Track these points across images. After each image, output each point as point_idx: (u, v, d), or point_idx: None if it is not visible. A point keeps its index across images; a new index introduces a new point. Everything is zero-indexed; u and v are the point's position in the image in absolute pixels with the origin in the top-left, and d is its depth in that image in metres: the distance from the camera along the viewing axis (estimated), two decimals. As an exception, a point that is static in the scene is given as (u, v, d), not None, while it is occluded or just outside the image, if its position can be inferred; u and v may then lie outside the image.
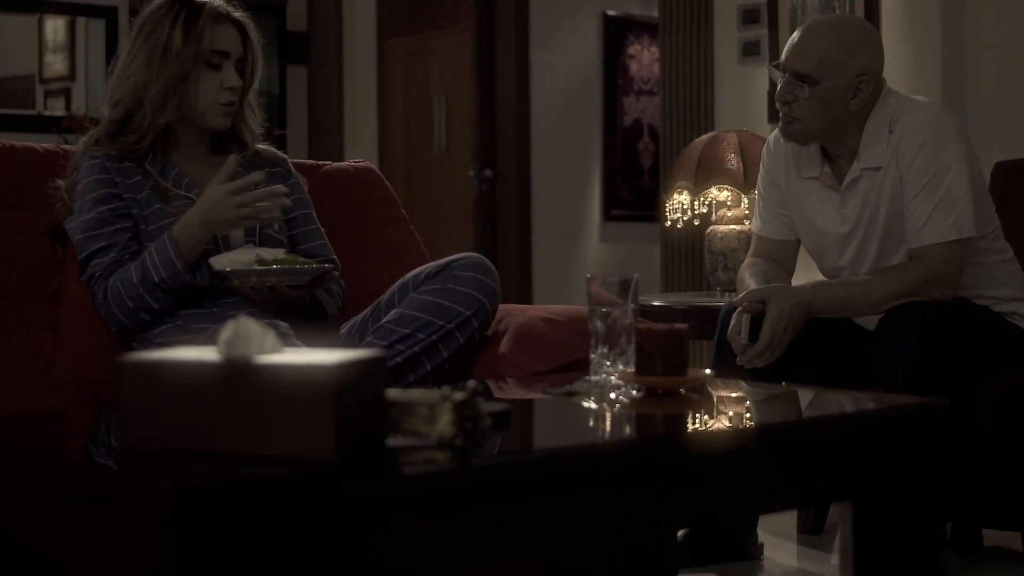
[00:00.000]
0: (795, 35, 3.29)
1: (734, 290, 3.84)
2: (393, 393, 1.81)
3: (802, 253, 3.51)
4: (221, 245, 2.97)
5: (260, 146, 3.20)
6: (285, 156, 3.27)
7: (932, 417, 2.30)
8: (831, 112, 3.23)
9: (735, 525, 3.46)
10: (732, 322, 3.18)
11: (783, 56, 3.29)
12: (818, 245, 3.41)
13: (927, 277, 3.13)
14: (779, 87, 3.28)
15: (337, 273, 3.11)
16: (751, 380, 3.02)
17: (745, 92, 5.35)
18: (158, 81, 2.94)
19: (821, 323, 3.22)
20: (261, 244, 3.03)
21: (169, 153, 3.04)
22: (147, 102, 2.96)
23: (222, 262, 2.87)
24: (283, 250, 2.98)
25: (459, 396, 1.78)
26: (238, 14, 3.05)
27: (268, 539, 1.57)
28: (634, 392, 2.38)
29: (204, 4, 3.00)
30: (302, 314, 2.92)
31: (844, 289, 3.20)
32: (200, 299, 2.92)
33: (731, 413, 2.51)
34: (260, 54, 3.10)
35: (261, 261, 2.85)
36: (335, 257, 3.20)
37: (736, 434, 2.26)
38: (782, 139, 3.39)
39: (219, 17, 3.00)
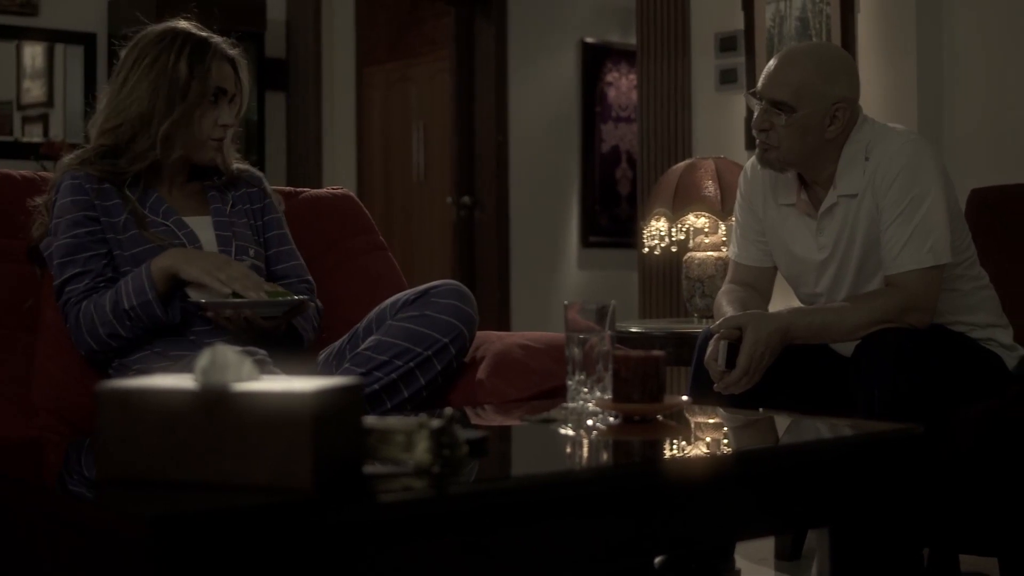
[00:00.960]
0: (771, 63, 3.30)
1: (711, 316, 3.85)
2: (370, 420, 1.81)
3: (779, 280, 3.52)
4: None
5: (238, 166, 3.20)
6: (261, 175, 3.28)
7: (909, 443, 2.31)
8: (808, 139, 3.24)
9: (712, 551, 3.46)
10: (709, 349, 3.19)
11: (759, 84, 3.30)
12: (795, 272, 3.42)
13: (904, 303, 3.14)
14: (756, 115, 3.29)
15: (312, 304, 3.10)
16: (728, 407, 3.03)
17: (722, 119, 5.37)
18: (164, 117, 2.95)
19: (798, 349, 3.22)
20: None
21: (150, 180, 3.04)
22: (155, 136, 2.96)
23: (198, 293, 2.87)
24: (270, 284, 2.97)
25: (436, 423, 1.78)
26: (234, 52, 3.07)
27: (246, 567, 1.57)
28: (611, 419, 2.38)
29: (210, 41, 3.01)
30: (278, 341, 2.92)
31: (821, 315, 3.21)
32: (178, 327, 2.91)
33: (708, 440, 2.51)
34: (248, 90, 3.12)
35: (236, 293, 2.84)
36: (310, 278, 3.21)
37: (713, 461, 2.26)
38: (759, 166, 3.41)
39: (222, 55, 3.02)
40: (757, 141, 3.31)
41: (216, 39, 3.04)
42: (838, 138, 3.25)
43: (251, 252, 3.08)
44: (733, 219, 3.61)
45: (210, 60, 2.99)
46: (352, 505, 1.67)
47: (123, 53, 3.05)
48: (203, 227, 3.04)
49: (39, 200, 3.02)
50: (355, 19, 7.86)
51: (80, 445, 2.50)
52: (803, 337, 3.18)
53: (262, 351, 2.71)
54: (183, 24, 3.04)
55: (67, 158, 3.04)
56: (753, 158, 3.46)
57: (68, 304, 2.89)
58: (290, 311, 2.94)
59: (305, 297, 2.99)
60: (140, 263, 2.90)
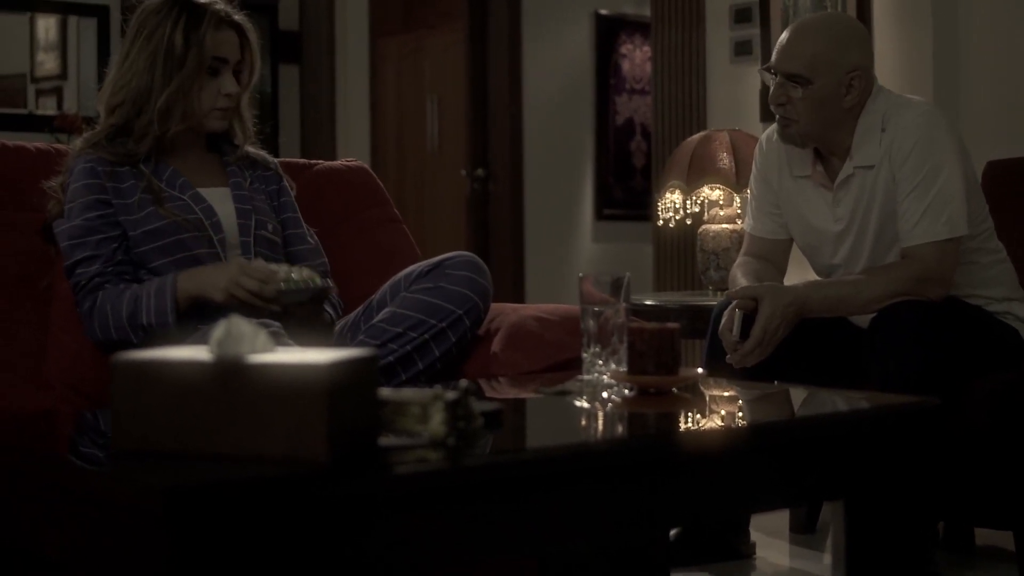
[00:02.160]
0: (783, 36, 3.29)
1: (726, 289, 3.84)
2: (385, 392, 1.81)
3: (795, 252, 3.51)
4: (219, 249, 2.95)
5: (252, 150, 3.19)
6: (275, 161, 3.27)
7: (924, 416, 2.30)
8: (826, 111, 3.23)
9: (727, 524, 3.46)
10: (724, 319, 3.18)
11: (773, 58, 3.29)
12: (811, 243, 3.41)
13: (920, 275, 3.13)
14: (772, 90, 3.28)
15: (335, 290, 3.07)
16: (743, 379, 3.02)
17: (737, 91, 5.35)
18: (162, 90, 2.93)
19: (814, 322, 3.22)
20: (256, 245, 3.02)
21: (165, 154, 3.02)
22: (152, 111, 2.94)
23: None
24: (297, 267, 2.93)
25: (451, 395, 1.78)
26: (238, 17, 3.03)
27: (261, 539, 1.57)
28: (626, 391, 2.38)
29: (206, 8, 2.97)
30: (300, 322, 2.89)
31: (837, 288, 3.20)
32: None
33: (723, 412, 2.51)
34: (258, 57, 3.09)
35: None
36: (324, 259, 3.20)
37: (728, 433, 2.26)
38: (775, 140, 3.39)
39: (220, 22, 2.98)
40: (777, 116, 3.29)
41: (216, 6, 3.01)
42: (855, 107, 3.24)
43: (269, 227, 3.07)
44: (748, 191, 3.60)
45: (206, 28, 2.95)
46: (366, 477, 1.67)
47: (128, 26, 3.04)
48: (221, 199, 3.03)
49: (54, 182, 3.00)
50: (368, -9, 7.85)
51: (95, 417, 2.49)
52: (819, 310, 3.17)
53: (276, 323, 2.71)
54: None
55: (79, 140, 3.02)
56: (769, 130, 3.45)
57: (80, 289, 2.88)
58: (315, 296, 2.90)
59: (329, 283, 2.95)
60: (157, 240, 2.89)
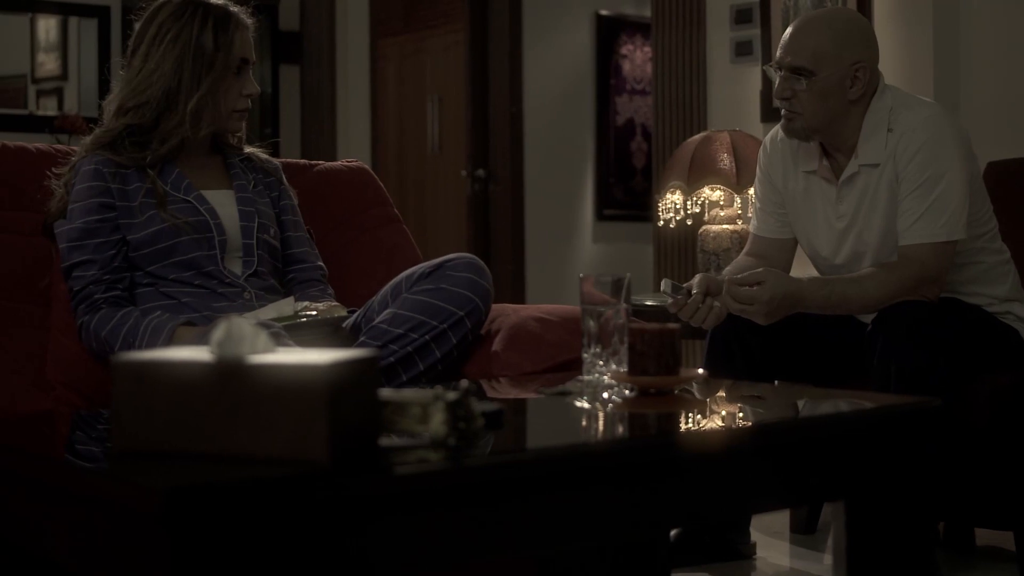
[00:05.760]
0: (787, 32, 3.30)
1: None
2: (386, 393, 1.81)
3: (800, 256, 3.51)
4: (219, 252, 2.95)
5: (257, 153, 3.20)
6: (278, 164, 3.27)
7: (925, 417, 2.30)
8: (830, 103, 3.23)
9: (728, 524, 3.46)
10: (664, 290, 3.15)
11: (777, 54, 3.30)
12: (814, 243, 3.41)
13: (918, 276, 3.14)
14: (776, 84, 3.28)
15: (347, 314, 3.05)
16: (744, 380, 3.02)
17: (738, 92, 5.35)
18: (192, 92, 2.93)
19: (815, 321, 3.22)
20: (258, 248, 3.02)
21: (170, 156, 3.02)
22: (184, 112, 2.94)
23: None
24: (311, 304, 2.92)
25: (452, 396, 1.78)
26: (251, 19, 3.06)
27: (261, 539, 1.57)
28: (627, 392, 2.38)
29: (229, 11, 3.00)
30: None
31: (834, 286, 3.19)
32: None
33: (723, 413, 2.51)
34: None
35: (280, 317, 2.81)
36: (322, 263, 3.21)
37: (728, 434, 2.26)
38: (779, 140, 3.40)
39: (243, 24, 3.01)
40: (782, 112, 3.30)
41: (235, 8, 3.03)
42: (860, 100, 3.24)
43: (271, 231, 3.08)
44: (752, 192, 3.60)
45: (233, 30, 2.98)
46: (367, 477, 1.67)
47: (137, 26, 3.02)
48: (225, 202, 3.04)
49: (59, 180, 2.99)
50: (369, -9, 7.85)
51: (95, 418, 2.49)
52: (814, 306, 3.16)
53: (276, 323, 2.71)
54: None
55: (87, 139, 3.02)
56: (773, 131, 3.46)
57: (75, 295, 2.88)
58: (330, 325, 2.89)
59: (344, 315, 2.93)
60: (155, 243, 2.89)
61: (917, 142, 3.17)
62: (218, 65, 2.96)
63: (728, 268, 3.46)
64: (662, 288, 3.12)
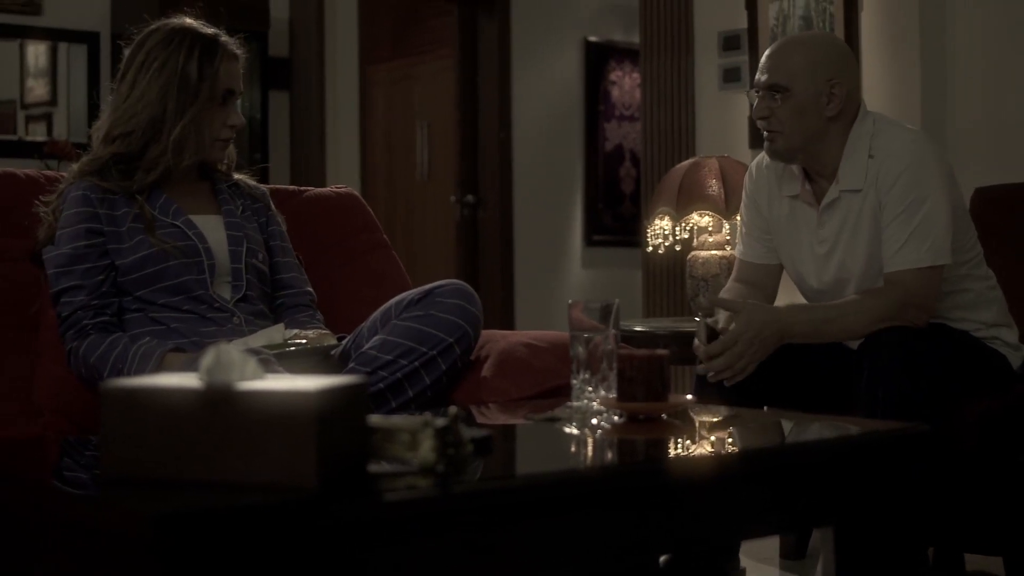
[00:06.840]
0: (765, 54, 3.32)
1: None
2: (375, 419, 1.81)
3: (787, 282, 3.52)
4: (208, 276, 2.95)
5: (243, 179, 3.20)
6: (266, 190, 3.27)
7: (914, 442, 2.31)
8: (808, 120, 3.24)
9: (717, 550, 3.45)
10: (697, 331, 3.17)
11: (756, 76, 3.32)
12: (798, 269, 3.41)
13: (903, 301, 3.14)
14: (755, 104, 3.30)
15: (338, 343, 3.05)
16: (732, 405, 3.02)
17: (725, 118, 5.37)
18: (176, 121, 2.93)
19: (803, 346, 3.22)
20: (247, 272, 3.02)
21: (159, 182, 3.02)
22: (167, 142, 2.94)
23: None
24: (301, 332, 2.92)
25: (440, 422, 1.78)
26: (240, 50, 3.05)
27: (251, 565, 1.57)
28: (615, 418, 2.38)
29: (218, 41, 3.00)
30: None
31: (820, 312, 3.20)
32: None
33: (713, 439, 2.51)
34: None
35: (270, 344, 2.81)
36: (310, 289, 3.21)
37: (718, 460, 2.26)
38: (765, 166, 3.41)
39: (231, 55, 3.01)
40: (764, 134, 3.31)
41: (224, 38, 3.03)
42: (838, 120, 3.24)
43: (259, 256, 3.08)
44: (739, 218, 3.61)
45: (219, 60, 2.98)
46: (356, 503, 1.67)
47: (127, 53, 3.03)
48: (213, 227, 3.04)
49: (47, 207, 2.99)
50: (358, 18, 7.85)
51: (84, 444, 2.49)
52: (802, 334, 3.16)
53: (266, 351, 2.71)
54: (188, 22, 3.01)
55: (75, 166, 3.01)
56: (759, 157, 3.47)
57: (63, 321, 2.88)
58: (319, 353, 2.89)
59: (333, 344, 2.93)
60: (144, 267, 2.90)
61: (899, 167, 3.18)
62: (203, 95, 2.95)
63: (721, 294, 3.46)
64: (701, 335, 3.13)
